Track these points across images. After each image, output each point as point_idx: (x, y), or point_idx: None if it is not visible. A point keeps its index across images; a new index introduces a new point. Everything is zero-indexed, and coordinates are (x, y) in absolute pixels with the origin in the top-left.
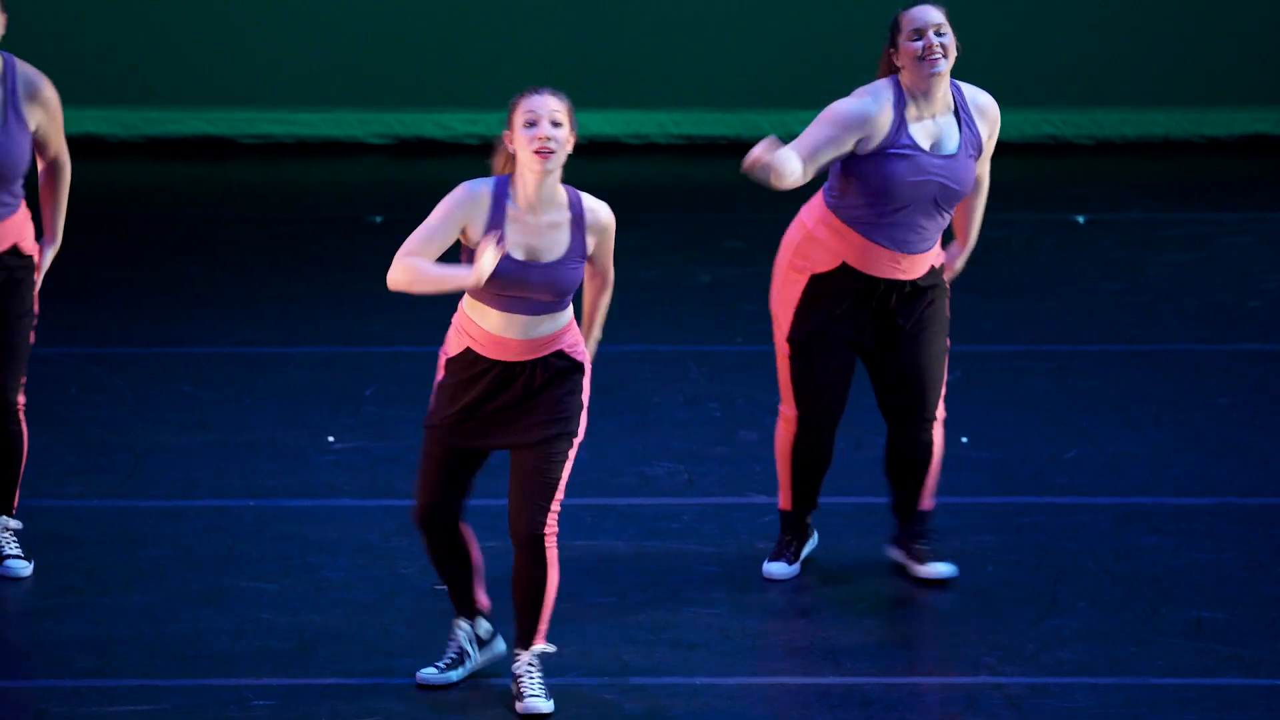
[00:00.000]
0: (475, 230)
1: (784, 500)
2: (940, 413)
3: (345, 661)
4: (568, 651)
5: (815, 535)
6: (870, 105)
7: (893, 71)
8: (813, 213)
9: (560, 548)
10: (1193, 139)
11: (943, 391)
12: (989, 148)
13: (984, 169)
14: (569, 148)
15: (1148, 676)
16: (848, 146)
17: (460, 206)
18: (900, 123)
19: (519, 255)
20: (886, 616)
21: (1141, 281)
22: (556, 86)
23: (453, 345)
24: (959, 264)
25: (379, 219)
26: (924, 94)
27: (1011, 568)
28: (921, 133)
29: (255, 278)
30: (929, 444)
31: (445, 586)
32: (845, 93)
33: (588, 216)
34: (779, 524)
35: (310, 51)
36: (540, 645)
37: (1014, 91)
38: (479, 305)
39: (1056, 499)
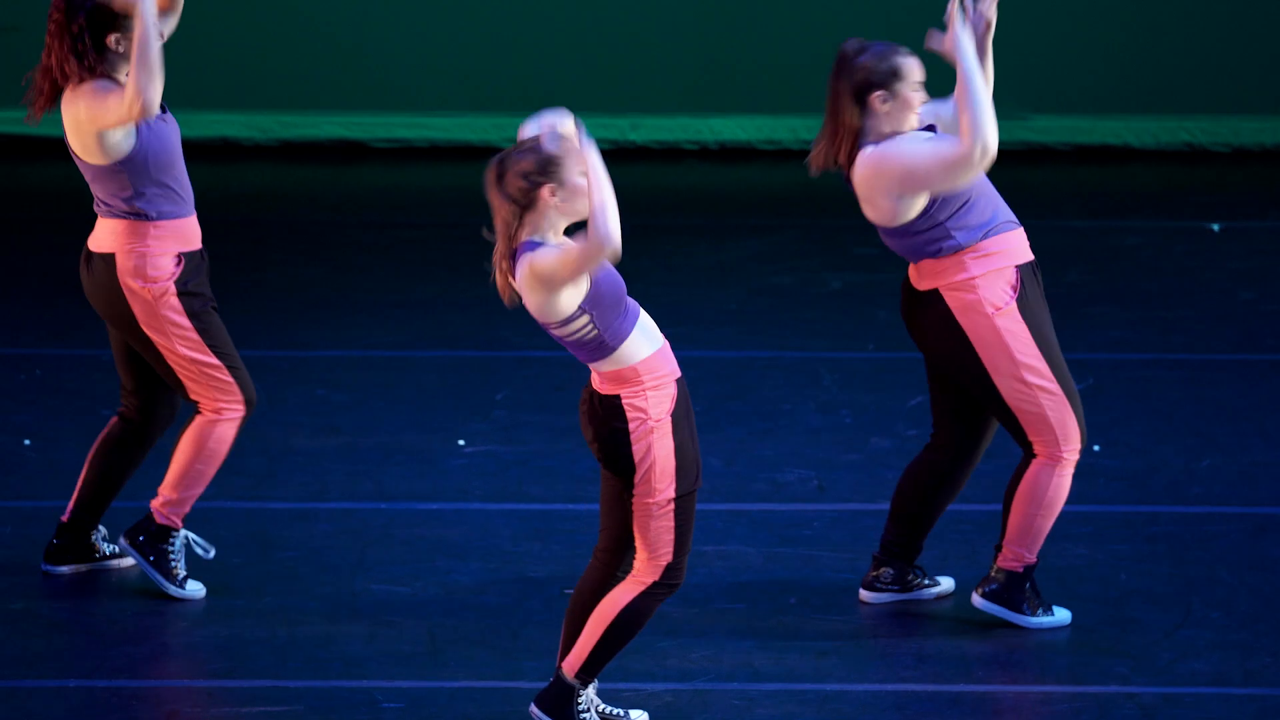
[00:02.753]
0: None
1: (1035, 553)
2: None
3: (476, 665)
4: (696, 656)
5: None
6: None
7: (851, 116)
8: (955, 271)
9: (691, 553)
10: None
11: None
12: None
13: None
14: None
15: None
16: None
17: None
18: None
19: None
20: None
21: (1276, 290)
22: (688, 92)
23: (658, 403)
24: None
25: None
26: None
27: (1144, 577)
28: None
29: (386, 281)
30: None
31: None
32: None
33: None
34: (1029, 580)
35: (443, 56)
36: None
37: (1149, 98)
38: (634, 343)
39: (1190, 508)
